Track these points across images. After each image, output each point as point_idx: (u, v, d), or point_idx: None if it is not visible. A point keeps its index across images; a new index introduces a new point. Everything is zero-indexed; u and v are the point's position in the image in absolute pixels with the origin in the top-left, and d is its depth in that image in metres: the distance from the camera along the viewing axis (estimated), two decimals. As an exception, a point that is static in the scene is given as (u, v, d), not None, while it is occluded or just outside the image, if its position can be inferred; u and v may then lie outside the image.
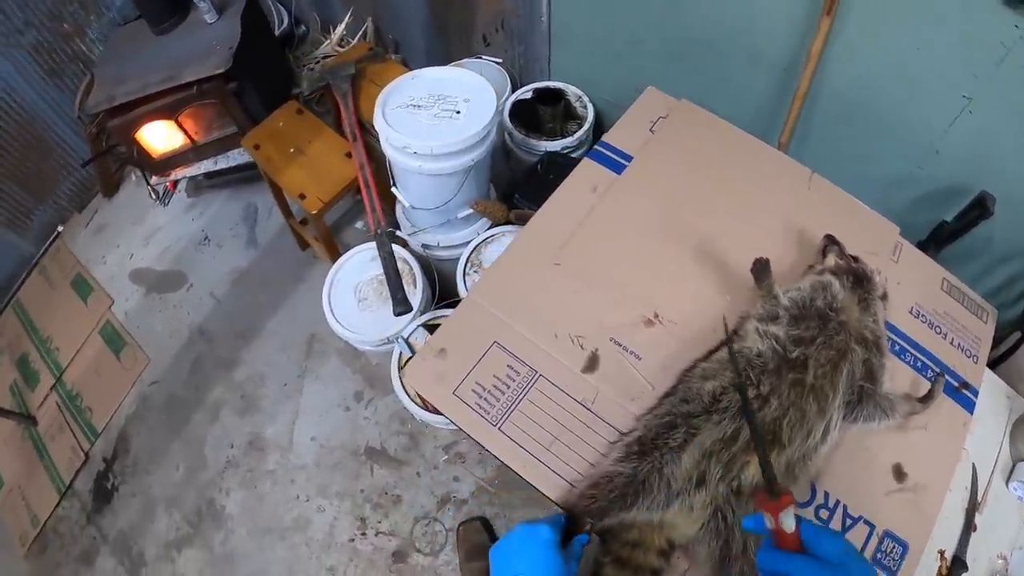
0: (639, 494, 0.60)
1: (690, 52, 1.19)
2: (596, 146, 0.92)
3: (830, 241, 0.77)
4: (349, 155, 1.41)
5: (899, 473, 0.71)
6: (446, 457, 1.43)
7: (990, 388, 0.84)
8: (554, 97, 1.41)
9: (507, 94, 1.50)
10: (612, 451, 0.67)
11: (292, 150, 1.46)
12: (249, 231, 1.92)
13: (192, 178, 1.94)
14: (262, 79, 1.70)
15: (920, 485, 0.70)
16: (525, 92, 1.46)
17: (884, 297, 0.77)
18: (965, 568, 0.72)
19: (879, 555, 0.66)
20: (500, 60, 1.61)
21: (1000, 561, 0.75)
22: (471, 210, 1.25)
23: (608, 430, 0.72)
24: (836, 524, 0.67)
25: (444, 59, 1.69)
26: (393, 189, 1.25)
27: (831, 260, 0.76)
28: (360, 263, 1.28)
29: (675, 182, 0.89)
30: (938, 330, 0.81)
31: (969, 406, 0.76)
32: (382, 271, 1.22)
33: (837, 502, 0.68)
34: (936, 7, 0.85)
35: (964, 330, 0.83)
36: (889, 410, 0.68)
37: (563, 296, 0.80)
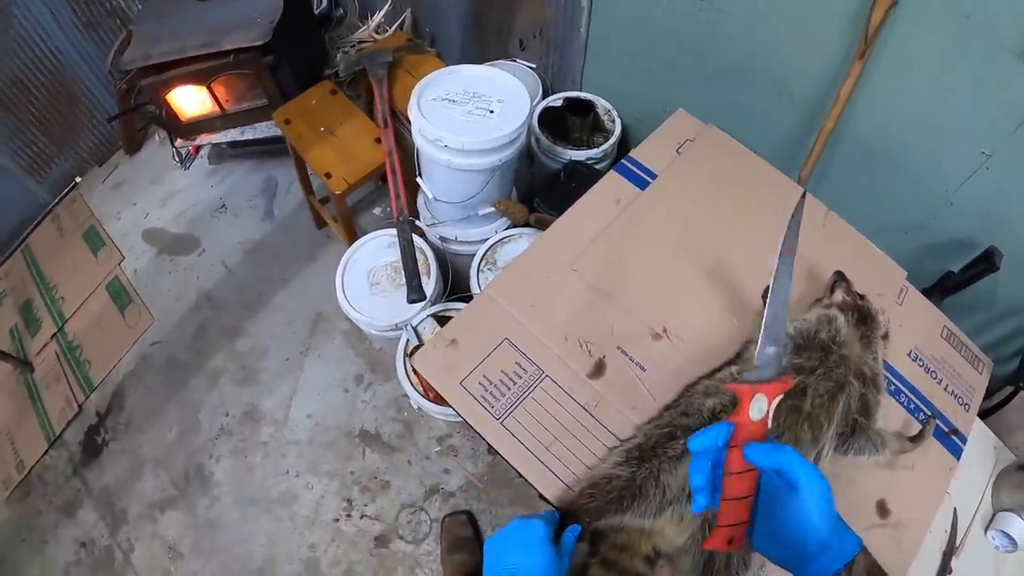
0: (635, 498, 0.62)
1: (722, 80, 1.22)
2: (623, 160, 0.95)
3: (839, 277, 0.80)
4: (378, 140, 1.43)
5: (883, 509, 0.73)
6: (439, 448, 1.45)
7: (979, 437, 0.86)
8: (584, 108, 1.43)
9: (538, 99, 1.53)
10: (612, 455, 0.69)
11: (323, 129, 1.48)
12: (267, 204, 1.94)
13: (216, 145, 1.96)
14: (297, 56, 1.72)
15: (902, 523, 0.72)
16: (556, 100, 1.49)
17: (886, 337, 0.79)
18: (937, 608, 0.74)
19: (856, 585, 0.68)
20: (534, 66, 1.63)
21: (971, 606, 0.77)
22: (492, 208, 1.27)
23: (607, 436, 0.74)
24: (818, 550, 0.69)
25: (478, 58, 1.72)
26: (418, 179, 1.27)
27: (838, 296, 0.78)
28: (376, 248, 1.30)
29: (696, 203, 0.91)
30: (934, 375, 0.84)
31: (957, 452, 0.79)
32: (397, 258, 1.24)
33: (821, 529, 0.70)
34: (964, 65, 0.88)
35: (959, 378, 0.85)
36: (880, 446, 0.70)
37: (576, 301, 0.83)
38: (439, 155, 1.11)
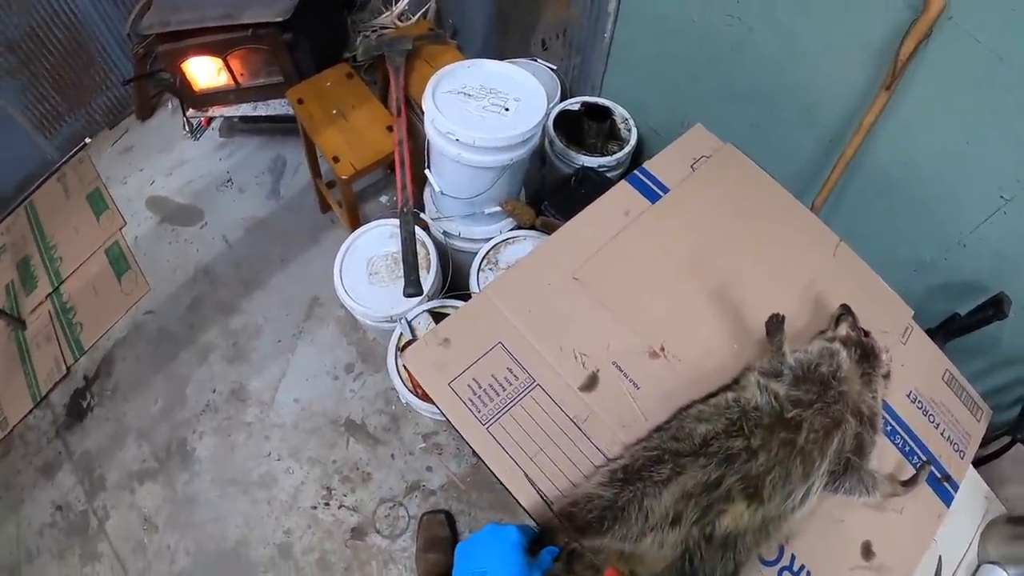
0: (616, 520, 0.60)
1: (745, 99, 1.20)
2: (636, 172, 0.93)
3: (845, 311, 0.78)
4: (390, 128, 1.41)
5: (867, 551, 0.71)
6: (423, 445, 1.44)
7: (971, 486, 0.84)
8: (601, 114, 1.41)
9: (555, 101, 1.51)
10: (596, 474, 0.67)
11: (335, 111, 1.46)
12: (273, 183, 1.93)
13: (228, 118, 1.94)
14: (317, 36, 1.71)
15: (886, 567, 0.71)
16: (573, 103, 1.47)
17: (887, 376, 0.77)
18: (914, 657, 0.73)
19: (834, 628, 0.67)
20: (555, 67, 1.61)
21: (949, 657, 0.76)
22: (499, 208, 1.25)
23: (594, 452, 0.72)
24: (798, 588, 0.67)
25: (499, 54, 1.70)
26: (427, 171, 1.25)
27: (843, 330, 0.77)
28: (378, 237, 1.29)
29: (706, 222, 0.90)
30: (931, 419, 0.82)
31: (947, 499, 0.77)
32: (398, 249, 1.22)
33: (803, 567, 0.69)
34: (992, 107, 0.86)
35: (957, 424, 0.84)
36: (871, 487, 0.69)
37: (575, 311, 0.81)
38: (449, 149, 1.10)
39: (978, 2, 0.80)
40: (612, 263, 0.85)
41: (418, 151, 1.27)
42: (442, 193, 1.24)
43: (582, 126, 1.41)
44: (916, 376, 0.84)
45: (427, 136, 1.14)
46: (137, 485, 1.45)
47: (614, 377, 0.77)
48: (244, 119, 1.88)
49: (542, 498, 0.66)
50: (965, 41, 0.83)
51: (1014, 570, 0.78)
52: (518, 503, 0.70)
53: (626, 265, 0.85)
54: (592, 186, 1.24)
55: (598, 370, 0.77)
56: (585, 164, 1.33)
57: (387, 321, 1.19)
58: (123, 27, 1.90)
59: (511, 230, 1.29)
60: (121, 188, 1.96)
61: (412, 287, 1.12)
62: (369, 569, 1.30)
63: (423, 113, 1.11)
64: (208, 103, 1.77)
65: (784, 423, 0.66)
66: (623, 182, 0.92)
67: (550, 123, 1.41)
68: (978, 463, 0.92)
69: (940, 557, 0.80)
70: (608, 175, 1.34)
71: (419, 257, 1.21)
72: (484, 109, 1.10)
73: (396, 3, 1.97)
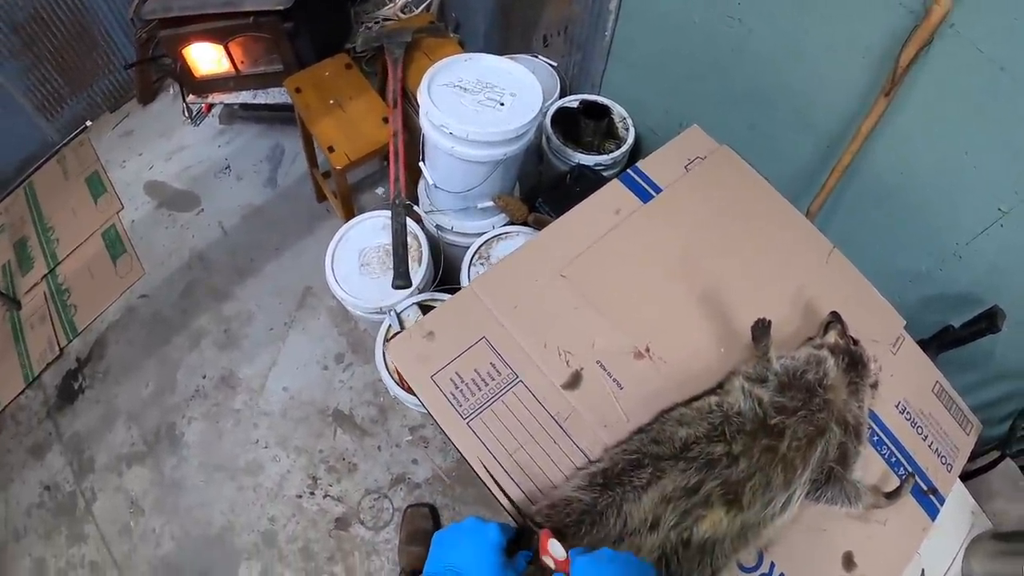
0: (594, 524, 0.60)
1: (743, 100, 1.19)
2: (629, 170, 0.92)
3: (835, 318, 0.77)
4: (386, 120, 1.41)
5: (849, 562, 0.71)
6: (410, 438, 1.43)
7: (957, 500, 0.83)
8: (599, 112, 1.40)
9: (554, 98, 1.50)
10: (575, 477, 0.67)
11: (332, 102, 1.45)
12: (271, 171, 1.92)
13: (228, 105, 1.94)
14: (319, 25, 1.70)
15: (866, 578, 0.70)
16: (572, 101, 1.46)
17: (875, 386, 0.76)
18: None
19: (810, 638, 0.66)
20: (555, 64, 1.60)
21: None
22: (492, 203, 1.25)
23: (574, 450, 0.71)
24: (774, 596, 0.67)
25: (500, 50, 1.69)
26: (421, 164, 1.25)
27: (831, 337, 0.76)
28: (371, 228, 1.28)
29: (697, 224, 0.89)
30: (920, 431, 0.81)
31: (933, 512, 0.76)
32: (390, 241, 1.22)
33: (782, 575, 0.68)
34: (992, 117, 0.84)
35: (945, 437, 0.83)
36: (854, 498, 0.68)
37: (561, 308, 0.80)
38: (444, 142, 1.09)
39: (981, 11, 0.78)
40: (601, 261, 0.84)
41: (413, 144, 1.27)
42: (435, 186, 1.23)
43: (580, 124, 1.39)
44: (906, 387, 0.83)
45: (422, 128, 1.13)
46: (125, 468, 1.45)
47: (598, 376, 0.76)
48: (244, 107, 1.87)
49: (511, 506, 0.65)
50: (967, 50, 0.82)
51: (996, 586, 0.77)
52: (496, 500, 0.69)
53: (615, 264, 0.84)
54: (588, 184, 1.23)
55: (582, 368, 0.76)
56: (581, 162, 1.32)
57: (377, 312, 1.19)
58: (127, 11, 1.90)
59: (504, 226, 1.28)
60: (120, 171, 1.96)
61: (400, 279, 1.12)
62: (352, 560, 1.30)
63: (419, 105, 1.10)
64: (208, 89, 1.77)
65: (767, 429, 0.65)
66: (615, 181, 0.91)
67: (548, 120, 1.40)
68: (966, 477, 0.91)
69: (923, 570, 0.79)
70: (604, 174, 1.32)
71: (411, 250, 1.20)
72: (479, 103, 1.09)
73: (401, -5, 1.96)
